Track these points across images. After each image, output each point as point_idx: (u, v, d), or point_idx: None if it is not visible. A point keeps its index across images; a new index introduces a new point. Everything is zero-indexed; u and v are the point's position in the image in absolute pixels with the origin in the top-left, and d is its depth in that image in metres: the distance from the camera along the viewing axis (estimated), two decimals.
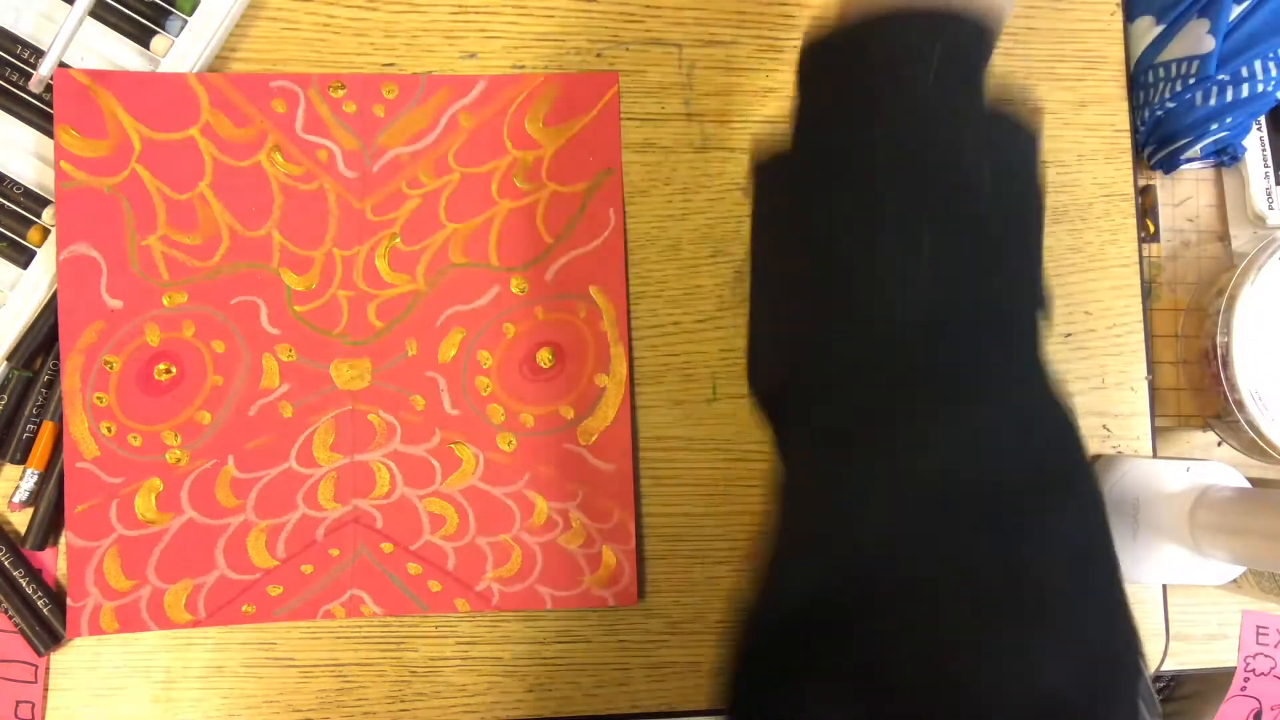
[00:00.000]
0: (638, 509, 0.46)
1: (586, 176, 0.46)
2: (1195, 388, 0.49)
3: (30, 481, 0.43)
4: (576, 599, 0.45)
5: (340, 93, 0.45)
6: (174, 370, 0.44)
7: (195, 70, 0.44)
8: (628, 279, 0.46)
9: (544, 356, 0.45)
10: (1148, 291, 0.49)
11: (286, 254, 0.45)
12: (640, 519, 0.46)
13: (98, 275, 0.44)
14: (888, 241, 0.29)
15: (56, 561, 0.44)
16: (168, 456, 0.44)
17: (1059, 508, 0.27)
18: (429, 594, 0.45)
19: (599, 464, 0.45)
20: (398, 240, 0.45)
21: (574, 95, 0.46)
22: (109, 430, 0.43)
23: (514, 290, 0.46)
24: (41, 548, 0.43)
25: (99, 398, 0.43)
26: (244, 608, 0.44)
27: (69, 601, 0.43)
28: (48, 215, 0.44)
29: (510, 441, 0.45)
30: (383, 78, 0.45)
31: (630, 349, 0.46)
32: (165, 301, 0.44)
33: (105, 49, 0.44)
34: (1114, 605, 0.27)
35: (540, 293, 0.46)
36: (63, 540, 0.44)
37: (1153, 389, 0.48)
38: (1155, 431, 0.48)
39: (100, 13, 0.44)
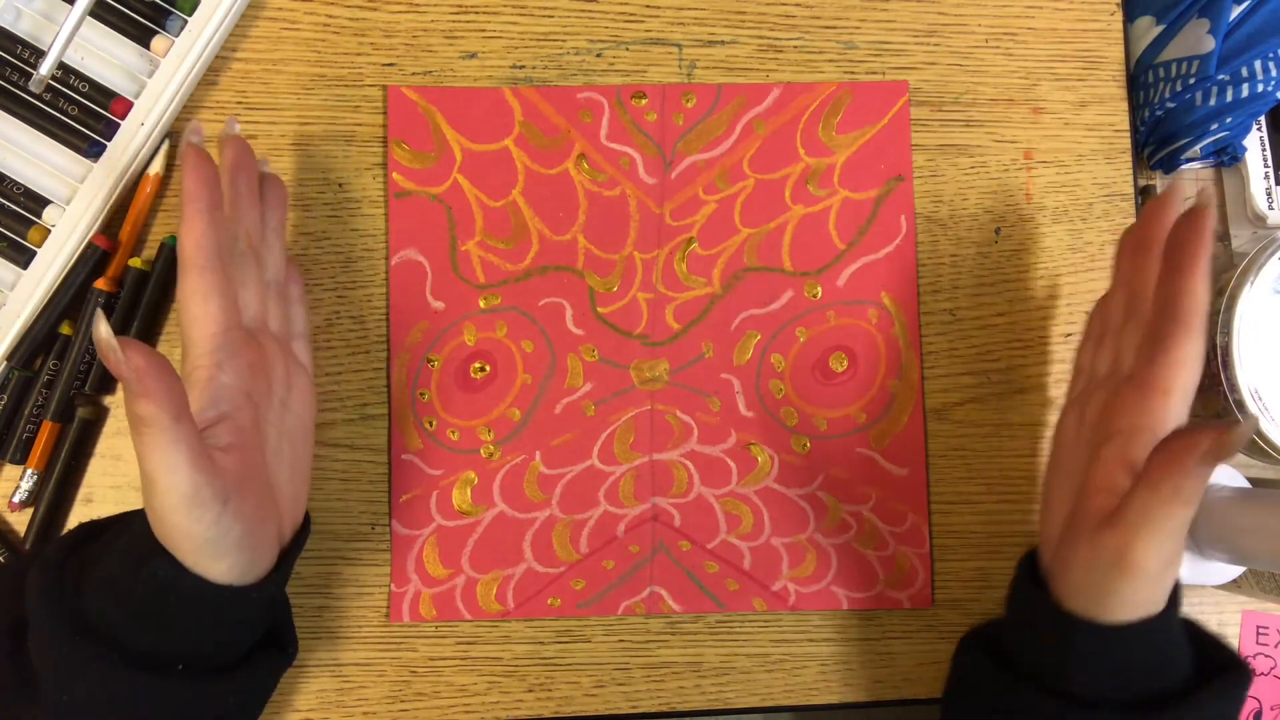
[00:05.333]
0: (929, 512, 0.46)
1: (877, 183, 0.47)
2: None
3: (30, 482, 0.43)
4: (872, 600, 0.46)
5: (642, 102, 0.46)
6: (488, 368, 0.45)
7: (195, 69, 0.44)
8: (919, 285, 0.47)
9: (837, 361, 0.46)
10: None
11: (591, 257, 0.46)
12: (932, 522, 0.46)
13: (424, 279, 0.46)
14: None
15: None
16: (482, 451, 0.45)
17: None
18: (727, 592, 0.46)
19: (891, 468, 0.46)
20: (695, 244, 0.46)
21: (866, 103, 0.47)
22: (431, 424, 0.45)
23: (807, 295, 0.46)
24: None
25: (422, 394, 0.45)
26: (550, 600, 0.45)
27: (392, 587, 0.45)
28: (47, 215, 0.44)
29: (804, 444, 0.46)
30: (682, 87, 0.47)
31: (922, 355, 0.46)
32: (481, 303, 0.46)
33: (105, 49, 0.44)
34: None
35: (833, 298, 0.47)
36: (390, 526, 0.45)
37: None
38: None
39: (100, 13, 0.44)
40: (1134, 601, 0.33)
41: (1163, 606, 0.34)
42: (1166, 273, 0.37)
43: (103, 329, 0.29)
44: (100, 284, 0.44)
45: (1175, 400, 0.35)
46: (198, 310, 0.36)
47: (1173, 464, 0.31)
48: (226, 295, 0.37)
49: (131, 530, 0.33)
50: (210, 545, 0.32)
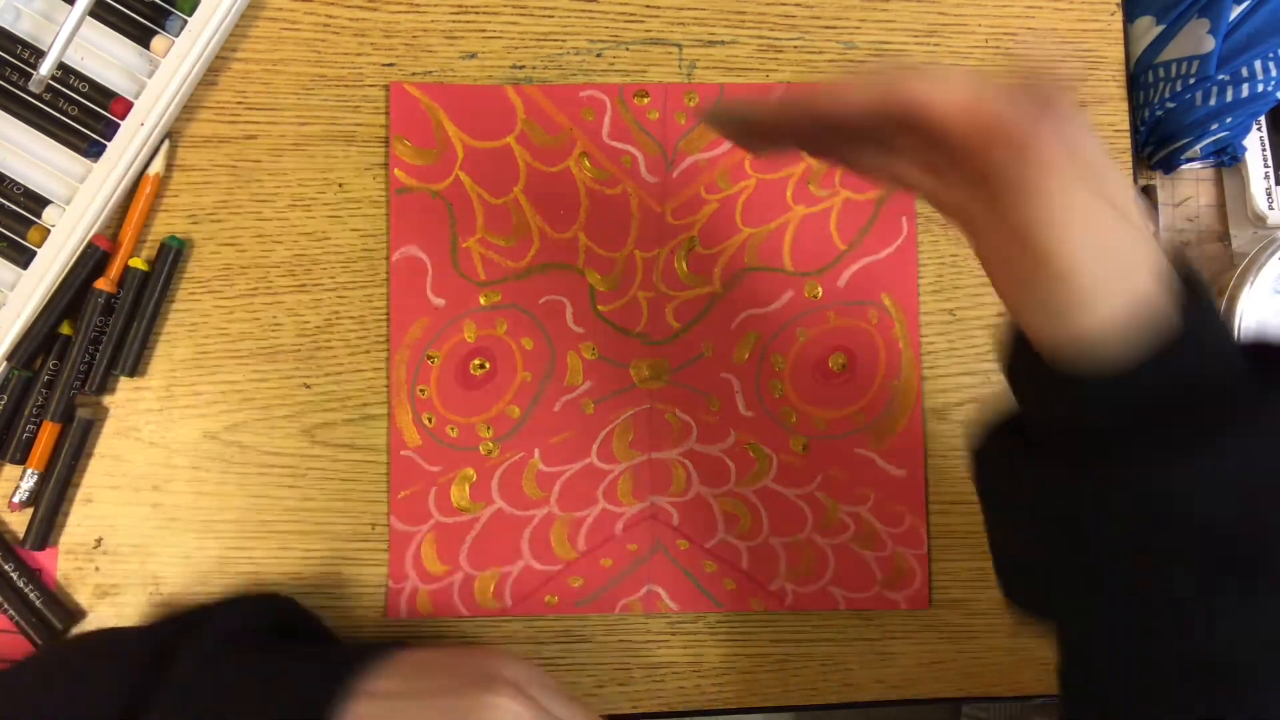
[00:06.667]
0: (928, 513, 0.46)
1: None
2: None
3: (30, 482, 0.43)
4: (869, 601, 0.46)
5: (644, 100, 0.46)
6: (487, 365, 0.46)
7: (195, 69, 0.44)
8: (919, 285, 0.47)
9: (836, 361, 0.46)
10: None
11: (591, 255, 0.46)
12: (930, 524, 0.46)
13: (424, 275, 0.46)
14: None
15: (57, 563, 0.44)
16: (481, 448, 0.45)
17: None
18: (724, 592, 0.46)
19: (890, 469, 0.46)
20: (696, 244, 0.46)
21: None
22: (430, 421, 0.45)
23: (807, 295, 0.46)
24: (41, 548, 0.43)
25: (421, 390, 0.45)
26: (547, 598, 0.45)
27: (390, 583, 0.45)
28: (47, 215, 0.44)
29: (803, 444, 0.46)
30: (685, 86, 0.47)
31: (921, 355, 0.46)
32: (482, 300, 0.46)
33: (105, 49, 0.44)
34: None
35: (833, 298, 0.47)
36: (389, 523, 0.45)
37: None
38: None
39: (100, 13, 0.44)
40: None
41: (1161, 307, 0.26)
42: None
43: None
44: (100, 284, 0.44)
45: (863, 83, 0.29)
46: None
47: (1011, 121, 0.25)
48: None
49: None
50: None
